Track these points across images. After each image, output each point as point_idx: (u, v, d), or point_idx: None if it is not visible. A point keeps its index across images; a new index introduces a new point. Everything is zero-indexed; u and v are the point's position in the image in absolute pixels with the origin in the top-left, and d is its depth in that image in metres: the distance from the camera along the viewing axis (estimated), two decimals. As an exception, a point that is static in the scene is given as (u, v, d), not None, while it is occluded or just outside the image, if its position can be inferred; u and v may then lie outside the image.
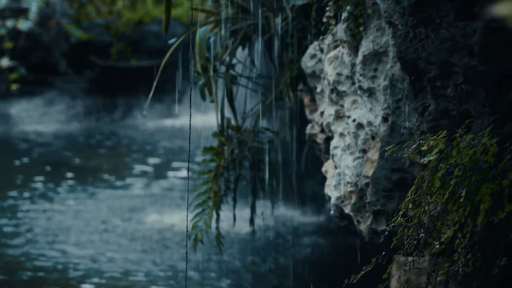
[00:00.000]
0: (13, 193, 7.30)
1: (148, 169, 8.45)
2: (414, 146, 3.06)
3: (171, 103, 10.84)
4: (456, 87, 3.38)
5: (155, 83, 4.61)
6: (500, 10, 0.96)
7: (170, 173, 8.25)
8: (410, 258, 3.13)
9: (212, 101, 4.66)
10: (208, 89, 4.61)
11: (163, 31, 4.62)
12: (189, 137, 2.84)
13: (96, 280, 5.15)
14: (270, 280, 5.19)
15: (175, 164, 8.60)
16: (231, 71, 4.76)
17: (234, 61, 4.85)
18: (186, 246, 2.77)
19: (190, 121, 2.78)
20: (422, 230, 3.00)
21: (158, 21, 11.76)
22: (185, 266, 2.71)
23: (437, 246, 2.97)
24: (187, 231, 2.76)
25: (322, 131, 4.43)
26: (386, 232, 3.28)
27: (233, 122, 4.79)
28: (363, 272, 3.14)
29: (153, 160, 8.87)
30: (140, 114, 10.98)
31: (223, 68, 4.75)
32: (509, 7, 0.94)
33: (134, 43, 11.48)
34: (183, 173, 7.86)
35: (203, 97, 4.71)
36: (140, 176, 8.12)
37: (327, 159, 4.36)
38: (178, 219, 6.31)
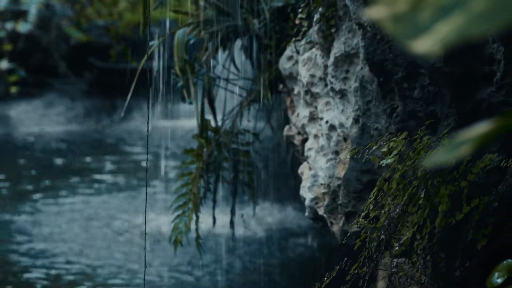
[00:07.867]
0: (7, 192, 7.34)
1: (143, 167, 8.46)
2: (375, 147, 3.06)
3: (171, 104, 10.82)
4: (422, 88, 3.37)
5: (133, 85, 4.63)
6: (370, 13, 0.95)
7: (166, 174, 8.26)
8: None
9: (190, 103, 4.67)
10: (186, 91, 4.62)
11: (140, 32, 4.64)
12: (147, 141, 2.84)
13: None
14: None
15: (172, 164, 8.61)
16: (210, 73, 4.77)
17: (214, 62, 4.85)
18: (145, 248, 2.77)
19: (148, 125, 2.79)
20: (382, 231, 3.00)
21: (158, 23, 11.76)
22: (144, 270, 2.72)
23: (397, 247, 2.97)
24: (145, 233, 2.77)
25: (299, 132, 4.43)
26: (348, 234, 3.27)
27: (213, 124, 4.80)
28: (327, 280, 3.13)
29: (149, 160, 8.88)
30: (139, 116, 10.98)
31: (203, 70, 4.76)
32: (380, 10, 0.94)
33: (134, 45, 11.49)
34: (173, 175, 7.87)
35: (183, 99, 4.72)
36: (132, 176, 8.13)
37: (304, 160, 4.36)
38: (167, 222, 6.30)
